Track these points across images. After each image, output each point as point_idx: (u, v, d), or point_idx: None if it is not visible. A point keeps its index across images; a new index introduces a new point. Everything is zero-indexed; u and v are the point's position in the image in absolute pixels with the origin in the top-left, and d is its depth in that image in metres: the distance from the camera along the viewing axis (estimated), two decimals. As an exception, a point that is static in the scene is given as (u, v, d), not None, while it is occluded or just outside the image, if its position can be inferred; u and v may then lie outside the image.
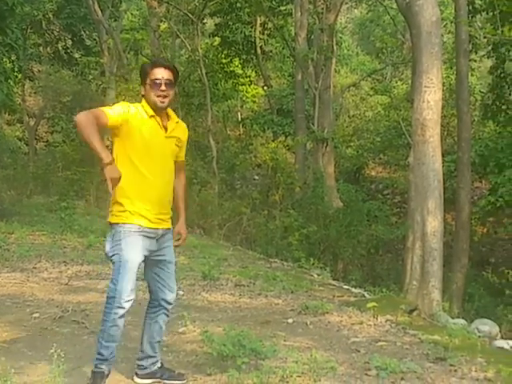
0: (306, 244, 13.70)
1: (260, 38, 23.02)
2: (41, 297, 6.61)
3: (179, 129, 4.12)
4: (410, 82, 19.05)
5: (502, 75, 16.82)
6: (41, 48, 26.03)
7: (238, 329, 4.69)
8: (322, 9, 17.63)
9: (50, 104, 25.49)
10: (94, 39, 24.75)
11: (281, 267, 10.03)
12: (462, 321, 6.60)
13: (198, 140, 21.38)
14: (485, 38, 12.85)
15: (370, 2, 29.74)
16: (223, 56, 23.23)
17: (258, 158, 22.10)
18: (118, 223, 3.89)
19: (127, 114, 3.87)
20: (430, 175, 7.26)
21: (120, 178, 3.65)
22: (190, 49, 20.79)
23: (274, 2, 21.38)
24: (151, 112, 3.93)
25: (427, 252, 7.14)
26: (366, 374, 4.48)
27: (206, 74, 19.70)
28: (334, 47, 18.07)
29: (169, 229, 4.11)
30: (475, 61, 19.24)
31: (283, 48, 24.19)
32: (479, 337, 5.84)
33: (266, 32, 23.59)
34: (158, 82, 3.90)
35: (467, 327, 6.14)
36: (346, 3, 27.18)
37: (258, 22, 22.71)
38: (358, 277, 13.04)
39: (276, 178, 17.49)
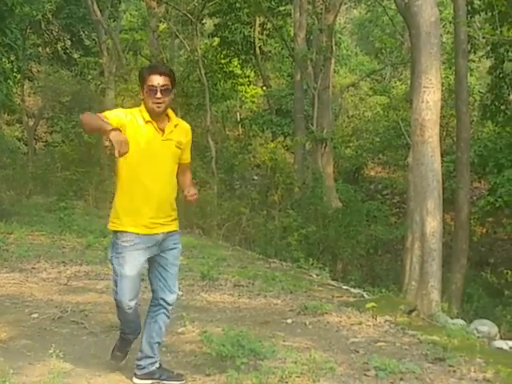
0: (305, 244, 13.71)
1: (259, 39, 23.03)
2: (40, 297, 6.61)
3: (179, 131, 4.11)
4: (408, 82, 19.07)
5: (501, 75, 16.82)
6: (40, 48, 26.04)
7: (237, 329, 4.69)
8: (321, 9, 17.64)
9: (49, 104, 25.49)
10: (93, 39, 24.76)
11: (280, 267, 10.03)
12: (461, 321, 6.59)
13: (196, 140, 21.23)
14: (484, 38, 12.83)
15: (368, 3, 29.77)
16: (222, 56, 23.23)
17: (257, 158, 22.12)
18: (115, 231, 4.03)
19: (123, 120, 3.90)
20: (429, 175, 7.26)
21: (127, 142, 3.63)
22: (189, 49, 20.79)
23: (273, 3, 21.39)
24: (148, 117, 3.97)
25: (426, 252, 7.14)
26: (365, 375, 4.49)
27: (205, 74, 19.70)
28: (333, 47, 18.07)
29: (172, 231, 4.11)
30: (474, 61, 19.27)
31: (282, 48, 24.20)
32: (478, 337, 5.84)
33: (265, 32, 23.61)
34: (153, 89, 3.91)
35: (466, 328, 6.14)
36: (345, 3, 27.19)
37: (257, 22, 22.72)
38: (357, 277, 13.04)
39: (275, 178, 17.49)
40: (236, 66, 24.09)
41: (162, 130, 4.02)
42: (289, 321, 6.06)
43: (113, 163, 4.06)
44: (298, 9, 18.51)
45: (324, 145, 17.29)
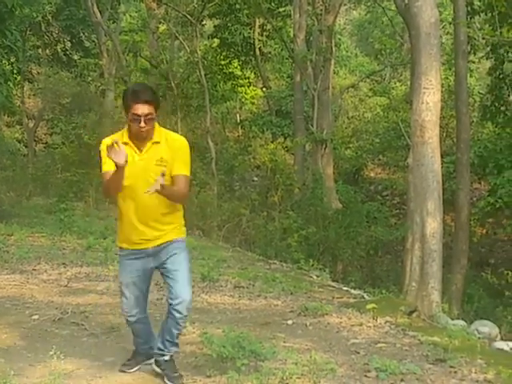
0: (305, 245, 13.70)
1: (259, 40, 23.03)
2: (40, 299, 6.61)
3: (160, 148, 4.08)
4: (408, 83, 19.06)
5: (501, 76, 16.82)
6: (40, 50, 26.04)
7: (237, 330, 4.69)
8: (321, 10, 17.65)
9: (49, 106, 25.45)
10: (93, 41, 24.77)
11: (280, 268, 10.02)
12: (461, 322, 6.59)
13: (196, 141, 21.35)
14: (483, 39, 12.86)
15: (368, 4, 29.77)
16: (222, 57, 23.23)
17: (257, 159, 22.09)
18: (117, 246, 4.40)
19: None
20: (429, 176, 7.25)
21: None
22: (188, 50, 20.79)
23: (272, 4, 21.39)
24: (126, 139, 4.06)
25: (426, 253, 7.13)
26: (366, 376, 4.48)
27: (205, 75, 19.70)
28: (333, 48, 18.07)
29: (166, 242, 4.17)
30: (474, 62, 19.28)
31: (282, 49, 24.21)
32: (479, 338, 5.84)
33: (264, 33, 23.61)
34: (137, 118, 3.95)
35: (467, 328, 6.14)
36: (345, 5, 27.21)
37: (257, 23, 22.72)
38: (357, 278, 13.05)
39: (275, 180, 17.49)
40: (236, 68, 24.10)
41: (140, 150, 4.07)
42: (289, 322, 6.05)
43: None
44: (297, 10, 18.52)
45: (324, 146, 17.29)
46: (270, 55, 25.02)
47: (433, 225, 7.12)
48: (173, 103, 19.87)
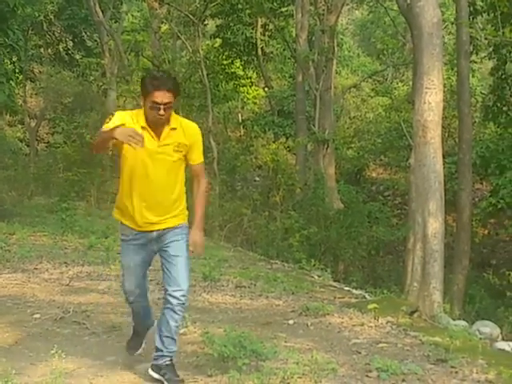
0: (306, 245, 13.70)
1: (261, 40, 23.02)
2: (42, 298, 6.61)
3: (178, 133, 4.09)
4: (410, 83, 19.04)
5: (503, 76, 16.82)
6: (42, 49, 26.05)
7: (238, 330, 4.69)
8: (323, 10, 17.63)
9: (51, 105, 25.50)
10: (95, 40, 24.78)
11: (281, 268, 10.02)
12: (462, 322, 6.59)
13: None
14: (486, 39, 12.84)
15: (370, 4, 29.75)
16: (224, 57, 23.22)
17: (259, 159, 22.11)
18: (118, 220, 4.30)
19: (125, 119, 3.97)
20: (430, 177, 7.25)
21: (135, 131, 3.77)
22: (190, 50, 20.79)
23: (274, 4, 21.39)
24: (143, 123, 3.99)
25: (428, 253, 7.13)
26: (367, 376, 4.48)
27: (207, 75, 19.70)
28: (335, 48, 18.06)
29: (171, 227, 4.14)
30: (476, 62, 19.26)
31: (284, 49, 24.20)
32: (480, 338, 5.83)
33: (266, 33, 23.60)
34: (157, 106, 3.92)
35: (468, 329, 6.14)
36: (347, 4, 27.18)
37: (259, 23, 22.71)
38: (358, 278, 13.05)
39: (277, 180, 17.49)
40: (238, 67, 24.09)
41: (158, 136, 4.03)
42: (290, 322, 6.05)
43: (115, 163, 4.14)
44: (299, 10, 18.52)
45: (326, 146, 17.29)
46: (272, 55, 25.01)
47: (434, 225, 7.12)
48: (175, 103, 19.87)
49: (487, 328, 6.44)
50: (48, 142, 25.47)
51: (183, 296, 4.09)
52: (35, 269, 8.08)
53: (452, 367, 4.74)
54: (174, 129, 4.07)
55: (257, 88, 26.42)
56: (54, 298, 6.59)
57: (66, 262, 8.56)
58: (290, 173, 18.00)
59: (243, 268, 9.30)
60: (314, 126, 17.75)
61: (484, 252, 18.73)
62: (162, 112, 3.93)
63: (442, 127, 8.03)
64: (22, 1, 13.33)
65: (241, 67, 24.22)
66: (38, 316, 5.87)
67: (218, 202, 16.74)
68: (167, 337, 4.18)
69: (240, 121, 26.12)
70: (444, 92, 8.31)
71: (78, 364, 4.53)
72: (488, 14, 15.23)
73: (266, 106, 26.65)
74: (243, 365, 4.22)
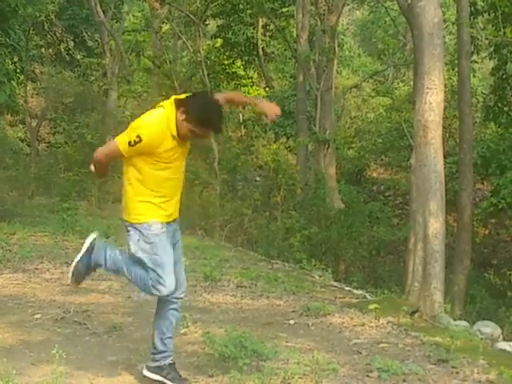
0: (307, 245, 13.69)
1: (262, 40, 23.04)
2: (42, 298, 6.61)
3: None
4: (411, 83, 19.03)
5: (504, 76, 16.81)
6: (43, 49, 26.06)
7: (239, 330, 4.69)
8: (324, 10, 17.62)
9: (52, 105, 25.47)
10: (96, 40, 24.80)
11: (282, 268, 10.02)
12: (463, 322, 6.59)
13: (199, 141, 21.38)
14: (487, 39, 12.85)
15: (371, 4, 29.74)
16: (225, 57, 23.23)
17: (260, 159, 22.08)
18: (141, 223, 3.98)
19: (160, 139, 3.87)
20: (431, 177, 7.25)
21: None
22: (191, 50, 20.79)
23: (275, 4, 21.40)
24: (175, 133, 3.89)
25: (429, 254, 7.13)
26: (368, 376, 4.48)
27: (208, 75, 19.70)
28: (336, 49, 18.05)
29: (176, 220, 4.17)
30: (477, 62, 19.23)
31: (285, 49, 24.19)
32: (481, 339, 5.83)
33: (267, 33, 23.62)
34: (198, 136, 3.96)
35: (469, 329, 6.14)
36: (348, 5, 27.18)
37: (260, 23, 22.73)
38: (359, 278, 13.03)
39: (277, 180, 17.46)
40: (239, 67, 24.10)
41: (182, 142, 4.02)
42: (291, 322, 6.05)
43: (121, 164, 4.07)
44: (300, 10, 18.50)
45: (326, 146, 17.28)
46: (273, 55, 25.02)
47: (435, 225, 7.12)
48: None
49: (488, 328, 6.45)
50: (49, 142, 25.46)
51: (184, 294, 4.26)
52: (36, 269, 8.09)
53: (453, 367, 4.74)
54: None
55: (258, 88, 26.40)
56: (54, 298, 6.60)
57: (66, 262, 8.54)
58: (291, 173, 17.97)
59: (244, 268, 9.30)
60: (314, 126, 17.74)
61: (485, 252, 18.72)
62: (197, 138, 4.00)
63: (443, 127, 8.03)
64: (24, 1, 13.32)
65: (242, 67, 24.23)
66: (38, 316, 5.88)
67: (218, 202, 16.73)
68: (169, 337, 4.21)
69: (241, 121, 26.11)
70: (445, 92, 8.31)
71: (78, 364, 4.53)
72: (489, 14, 15.23)
73: (266, 106, 26.60)
74: (244, 365, 4.22)
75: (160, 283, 3.93)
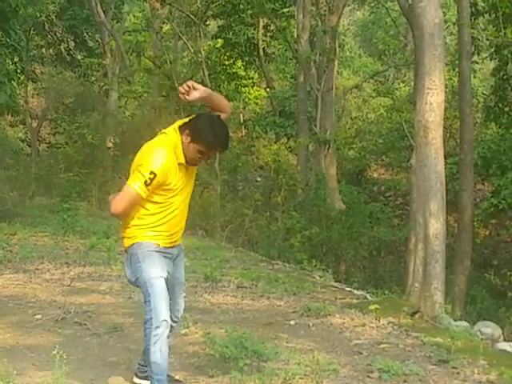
0: (308, 246, 13.68)
1: (262, 40, 23.02)
2: (43, 298, 6.62)
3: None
4: (412, 83, 19.01)
5: (505, 77, 16.81)
6: (43, 49, 26.07)
7: (240, 331, 4.69)
8: (325, 11, 17.62)
9: (52, 105, 25.48)
10: (97, 41, 24.80)
11: (283, 269, 10.02)
12: (464, 323, 6.59)
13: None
14: (487, 40, 12.84)
15: (372, 4, 29.74)
16: (226, 58, 23.23)
17: (260, 159, 22.07)
18: (133, 244, 3.85)
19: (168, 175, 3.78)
20: (432, 177, 7.26)
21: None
22: (192, 50, 20.80)
23: (276, 4, 21.39)
24: (182, 160, 3.81)
25: (429, 254, 7.14)
26: (369, 377, 4.49)
27: (209, 75, 19.71)
28: (337, 49, 18.05)
29: (180, 244, 4.06)
30: (478, 63, 19.23)
31: (286, 50, 24.19)
32: (482, 339, 5.83)
33: (268, 34, 23.61)
34: (205, 156, 3.89)
35: (470, 329, 6.14)
36: (349, 5, 27.17)
37: (261, 23, 22.71)
38: (360, 279, 13.02)
39: (278, 180, 17.46)
40: (239, 68, 24.10)
41: (187, 168, 3.92)
42: (292, 322, 6.05)
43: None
44: (301, 10, 18.50)
45: (327, 146, 17.27)
46: (273, 56, 25.01)
47: (436, 226, 7.13)
48: (176, 103, 19.87)
49: (489, 329, 6.44)
50: (49, 143, 25.46)
51: (179, 316, 4.16)
52: (36, 269, 8.09)
53: (453, 368, 4.74)
54: None
55: (258, 88, 26.42)
56: (55, 299, 6.60)
57: (67, 263, 8.57)
58: (292, 173, 17.97)
59: (245, 269, 9.29)
60: (315, 126, 17.74)
61: (485, 253, 18.71)
62: (204, 160, 3.95)
63: (444, 128, 8.04)
64: (24, 1, 13.33)
65: (242, 68, 24.23)
66: (39, 316, 5.88)
67: (219, 202, 16.72)
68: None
69: (241, 121, 26.11)
70: (445, 93, 8.31)
71: (79, 365, 4.53)
72: (489, 15, 15.23)
73: (267, 106, 26.64)
74: (245, 365, 4.22)
75: (158, 312, 3.73)
